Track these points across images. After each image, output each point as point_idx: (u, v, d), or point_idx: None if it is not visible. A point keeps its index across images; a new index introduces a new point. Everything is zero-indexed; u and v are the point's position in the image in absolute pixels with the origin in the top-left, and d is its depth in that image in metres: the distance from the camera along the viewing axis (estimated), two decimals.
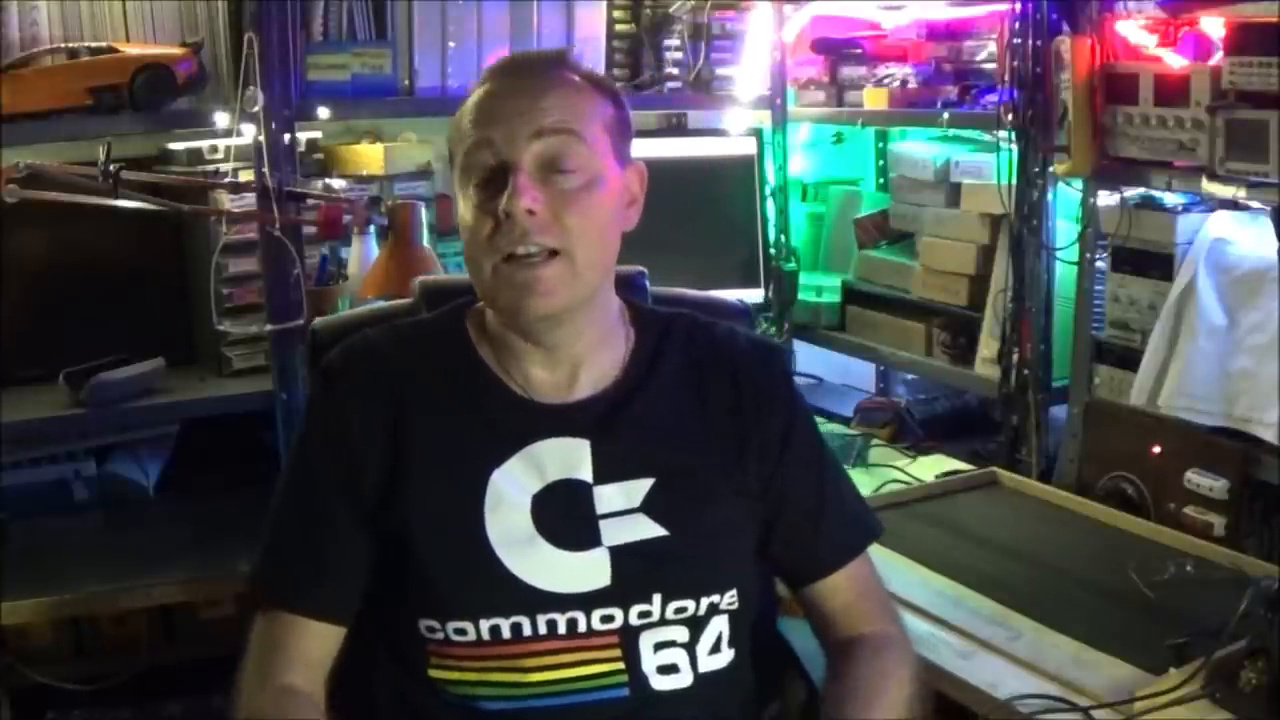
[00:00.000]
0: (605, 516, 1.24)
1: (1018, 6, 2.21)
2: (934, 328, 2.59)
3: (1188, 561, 1.83)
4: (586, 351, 1.27)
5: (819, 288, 2.90)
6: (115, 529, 2.36)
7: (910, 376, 2.89)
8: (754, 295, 2.74)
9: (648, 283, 1.51)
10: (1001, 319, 2.35)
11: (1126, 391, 2.10)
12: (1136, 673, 1.53)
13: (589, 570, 1.22)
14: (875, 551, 1.89)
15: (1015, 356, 2.32)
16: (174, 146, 2.38)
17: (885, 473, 2.37)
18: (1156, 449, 2.04)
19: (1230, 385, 1.95)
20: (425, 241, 2.20)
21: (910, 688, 1.28)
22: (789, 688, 1.46)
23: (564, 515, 1.23)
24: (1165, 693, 1.46)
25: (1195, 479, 1.95)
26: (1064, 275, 2.30)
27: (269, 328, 2.28)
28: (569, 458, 1.24)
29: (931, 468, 2.39)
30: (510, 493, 1.22)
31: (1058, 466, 2.28)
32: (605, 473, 1.24)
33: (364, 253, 2.28)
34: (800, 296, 2.84)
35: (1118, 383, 2.15)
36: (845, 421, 2.70)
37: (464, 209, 1.22)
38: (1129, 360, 2.11)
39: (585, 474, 1.24)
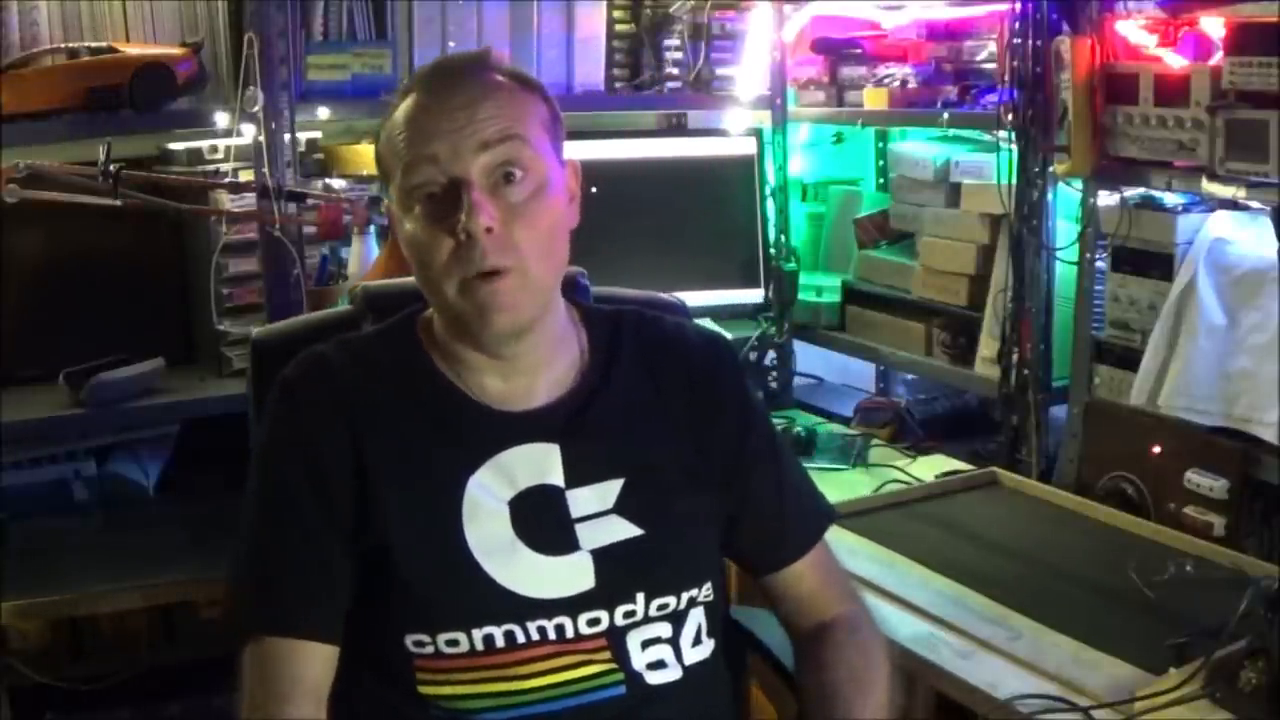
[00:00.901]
0: (581, 520, 1.23)
1: (1018, 6, 2.21)
2: (934, 328, 2.59)
3: (1188, 561, 1.83)
4: (542, 360, 1.26)
5: (819, 288, 2.90)
6: (115, 529, 2.35)
7: (910, 376, 2.89)
8: (754, 295, 2.75)
9: (588, 282, 1.50)
10: (1001, 319, 2.35)
11: (1126, 391, 2.10)
12: (1136, 673, 1.53)
13: (571, 575, 1.21)
14: (877, 551, 1.91)
15: (1015, 356, 2.32)
16: (174, 146, 2.37)
17: (885, 473, 2.37)
18: (1156, 449, 2.04)
19: (1230, 385, 1.95)
20: None
21: (889, 664, 1.31)
22: (757, 670, 1.49)
23: (541, 521, 1.22)
24: (1165, 693, 1.46)
25: (1195, 479, 1.95)
26: (1064, 275, 2.30)
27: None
28: (539, 463, 1.24)
29: (931, 468, 2.39)
30: (486, 501, 1.21)
31: (1058, 466, 2.28)
32: (576, 476, 1.24)
33: (364, 253, 2.28)
34: (800, 296, 2.84)
35: (1118, 383, 2.15)
36: (845, 421, 2.70)
37: (412, 229, 1.19)
38: (1129, 360, 2.11)
39: (557, 479, 1.24)
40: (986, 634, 1.66)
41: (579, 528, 1.23)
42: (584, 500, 1.24)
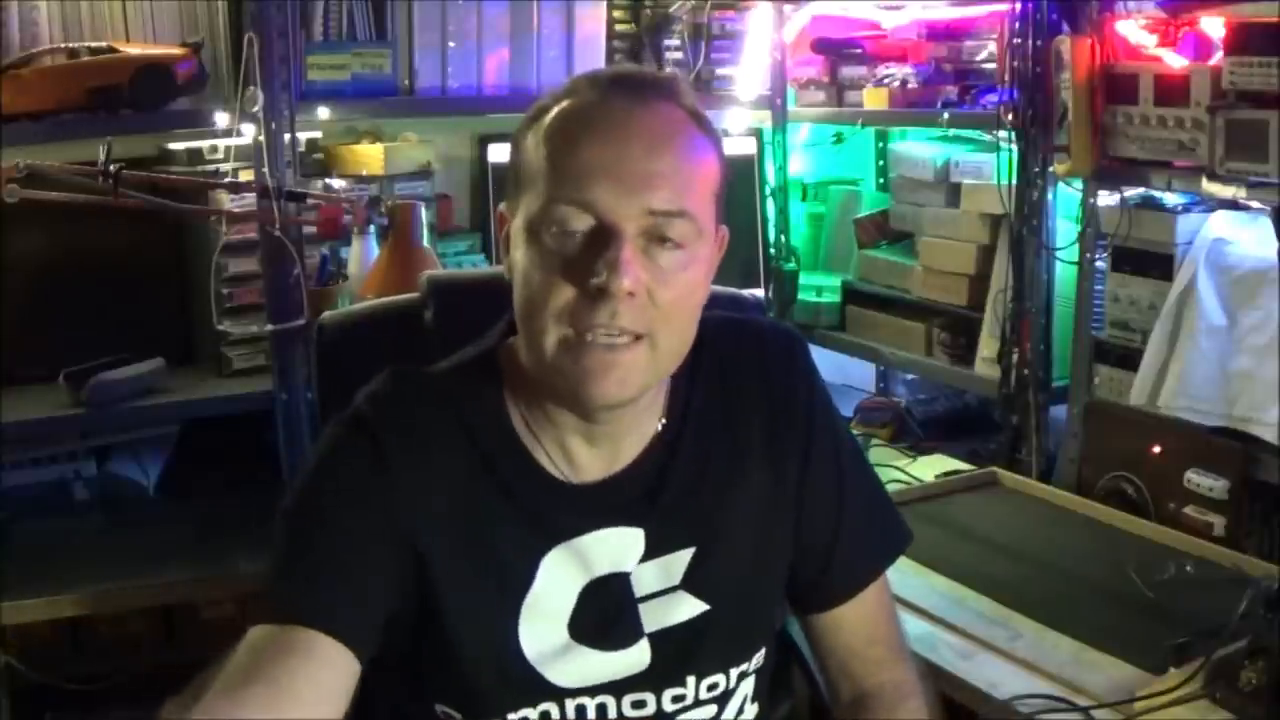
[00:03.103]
0: (645, 599, 1.12)
1: (1018, 6, 2.21)
2: (934, 328, 2.59)
3: (1188, 561, 1.83)
4: (634, 422, 1.12)
5: (819, 288, 2.90)
6: (115, 529, 2.35)
7: (910, 376, 2.89)
8: (754, 296, 2.74)
9: None
10: (1001, 319, 2.35)
11: (1126, 391, 2.10)
12: (1136, 673, 1.53)
13: (625, 663, 1.12)
14: None
15: (1015, 356, 2.32)
16: (174, 146, 2.38)
17: (885, 473, 2.36)
18: (1156, 449, 2.04)
19: (1230, 385, 1.95)
20: (425, 241, 2.20)
21: None
22: (796, 689, 1.46)
23: (604, 612, 1.11)
24: (1165, 693, 1.46)
25: (1195, 479, 1.95)
26: (1064, 275, 2.30)
27: (269, 328, 2.28)
28: (620, 550, 1.11)
29: (931, 468, 2.39)
30: (549, 599, 1.10)
31: (1058, 466, 2.28)
32: (649, 553, 1.12)
33: (364, 253, 2.28)
34: (800, 296, 2.84)
35: (1118, 383, 2.14)
36: (845, 422, 2.70)
37: (528, 261, 1.03)
38: (1129, 360, 2.11)
39: (633, 564, 1.12)
40: (987, 634, 1.66)
41: (642, 608, 1.12)
42: (649, 577, 1.12)
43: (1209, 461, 1.95)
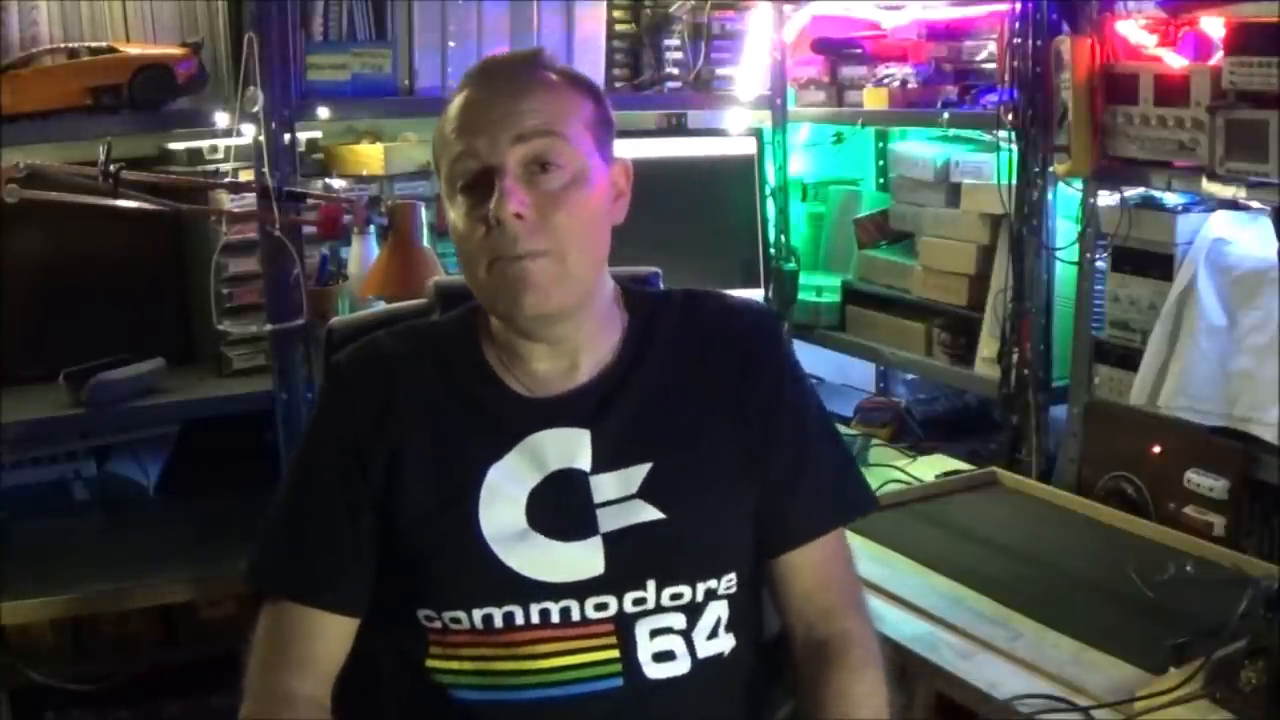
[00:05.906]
0: (603, 505, 1.24)
1: (1018, 6, 2.21)
2: (934, 328, 2.59)
3: (1188, 561, 1.83)
4: (587, 339, 1.28)
5: (819, 288, 2.90)
6: (115, 529, 2.35)
7: (910, 376, 2.89)
8: (754, 295, 2.74)
9: (661, 284, 1.51)
10: (1001, 319, 2.35)
11: (1126, 391, 2.10)
12: (1136, 673, 1.53)
13: (583, 559, 1.22)
14: (877, 551, 1.90)
15: (1015, 356, 2.32)
16: (174, 146, 2.38)
17: (885, 473, 2.36)
18: (1156, 449, 2.04)
19: (1230, 385, 1.95)
20: (425, 241, 2.20)
21: (882, 687, 1.27)
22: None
23: (561, 506, 1.23)
24: (1165, 693, 1.46)
25: (1195, 479, 1.95)
26: (1064, 275, 2.30)
27: (269, 328, 2.28)
28: (568, 447, 1.25)
29: (931, 468, 2.39)
30: (506, 488, 1.23)
31: (1058, 466, 2.28)
32: (603, 461, 1.25)
33: (364, 253, 2.28)
34: (800, 296, 2.84)
35: (1118, 383, 2.15)
36: (845, 421, 2.71)
37: (454, 216, 1.23)
38: (1129, 360, 2.11)
39: (584, 463, 1.25)
40: (987, 634, 1.66)
41: (600, 512, 1.24)
42: (608, 485, 1.24)
43: (1209, 461, 1.95)
